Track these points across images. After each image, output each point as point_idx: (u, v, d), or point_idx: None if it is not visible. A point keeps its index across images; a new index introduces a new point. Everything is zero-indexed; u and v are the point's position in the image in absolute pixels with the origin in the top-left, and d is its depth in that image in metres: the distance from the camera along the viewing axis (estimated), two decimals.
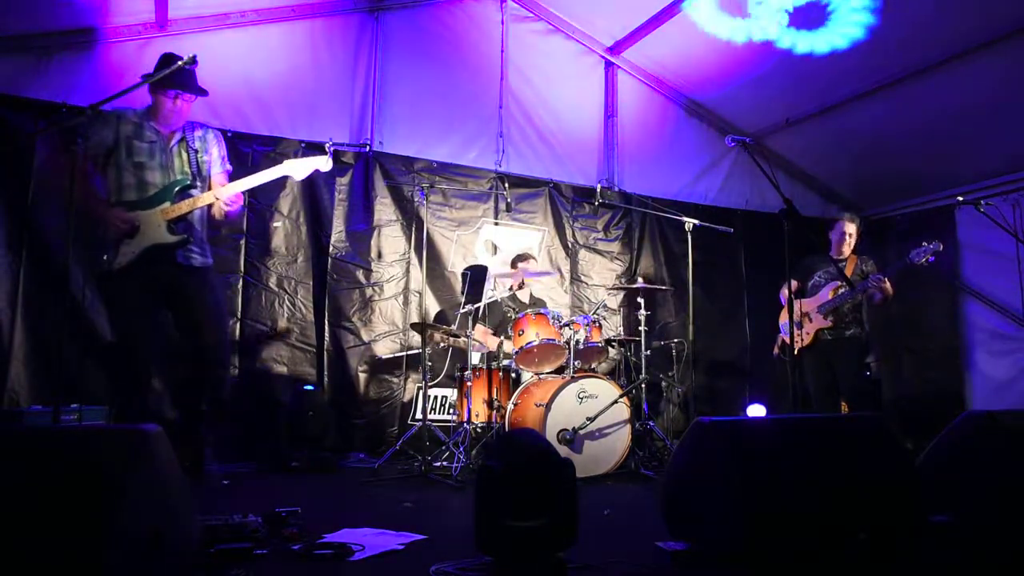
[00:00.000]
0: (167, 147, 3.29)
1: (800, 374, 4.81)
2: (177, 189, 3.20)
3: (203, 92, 3.38)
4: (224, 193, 3.24)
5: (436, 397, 5.29)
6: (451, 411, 5.19)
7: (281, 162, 3.52)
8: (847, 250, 4.85)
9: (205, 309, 3.37)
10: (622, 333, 5.84)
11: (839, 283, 4.68)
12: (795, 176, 7.17)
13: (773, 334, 5.21)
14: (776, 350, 5.17)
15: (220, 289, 4.05)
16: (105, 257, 3.08)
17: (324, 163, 3.43)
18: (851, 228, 4.85)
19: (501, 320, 5.27)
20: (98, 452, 1.77)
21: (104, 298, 3.28)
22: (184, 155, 3.32)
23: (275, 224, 5.21)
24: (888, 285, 4.55)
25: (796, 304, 4.68)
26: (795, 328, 4.68)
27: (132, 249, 3.08)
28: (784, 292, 5.01)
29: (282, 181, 5.08)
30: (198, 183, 3.32)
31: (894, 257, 4.69)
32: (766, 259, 6.10)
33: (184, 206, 3.18)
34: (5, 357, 4.31)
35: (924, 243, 4.43)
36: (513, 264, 5.40)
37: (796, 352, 4.68)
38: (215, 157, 3.45)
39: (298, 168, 3.36)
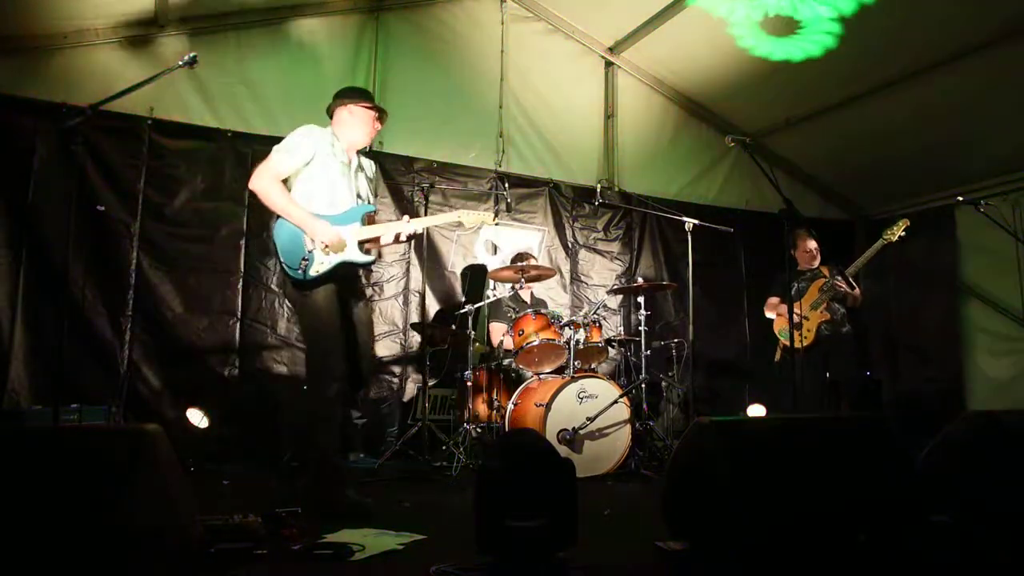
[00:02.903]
0: (351, 169, 3.41)
1: (801, 374, 4.82)
2: (366, 212, 3.31)
3: (376, 105, 3.48)
4: (410, 228, 3.31)
5: (436, 397, 5.29)
6: (451, 411, 5.18)
7: None
8: (816, 263, 5.08)
9: (364, 312, 3.47)
10: (622, 333, 5.83)
11: (820, 279, 4.92)
12: (795, 176, 7.17)
13: (773, 335, 5.20)
14: (778, 357, 5.15)
15: None
16: (304, 260, 3.12)
17: (489, 218, 3.57)
18: (812, 244, 5.10)
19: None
20: (98, 452, 1.77)
21: (294, 302, 3.34)
22: (362, 178, 3.46)
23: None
24: (845, 286, 4.73)
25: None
26: (797, 329, 4.73)
27: (330, 260, 3.16)
28: (768, 310, 5.15)
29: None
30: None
31: (893, 256, 4.71)
32: (766, 259, 6.09)
33: (376, 230, 3.27)
34: (5, 357, 4.31)
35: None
36: (512, 264, 5.39)
37: (801, 352, 4.71)
38: (373, 184, 3.64)
39: (468, 218, 3.51)
